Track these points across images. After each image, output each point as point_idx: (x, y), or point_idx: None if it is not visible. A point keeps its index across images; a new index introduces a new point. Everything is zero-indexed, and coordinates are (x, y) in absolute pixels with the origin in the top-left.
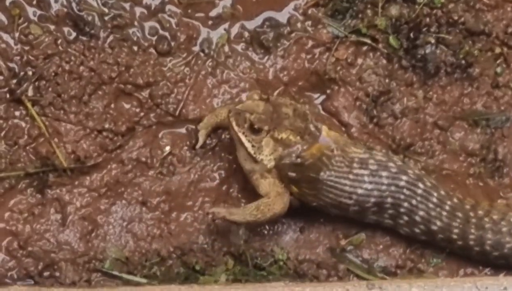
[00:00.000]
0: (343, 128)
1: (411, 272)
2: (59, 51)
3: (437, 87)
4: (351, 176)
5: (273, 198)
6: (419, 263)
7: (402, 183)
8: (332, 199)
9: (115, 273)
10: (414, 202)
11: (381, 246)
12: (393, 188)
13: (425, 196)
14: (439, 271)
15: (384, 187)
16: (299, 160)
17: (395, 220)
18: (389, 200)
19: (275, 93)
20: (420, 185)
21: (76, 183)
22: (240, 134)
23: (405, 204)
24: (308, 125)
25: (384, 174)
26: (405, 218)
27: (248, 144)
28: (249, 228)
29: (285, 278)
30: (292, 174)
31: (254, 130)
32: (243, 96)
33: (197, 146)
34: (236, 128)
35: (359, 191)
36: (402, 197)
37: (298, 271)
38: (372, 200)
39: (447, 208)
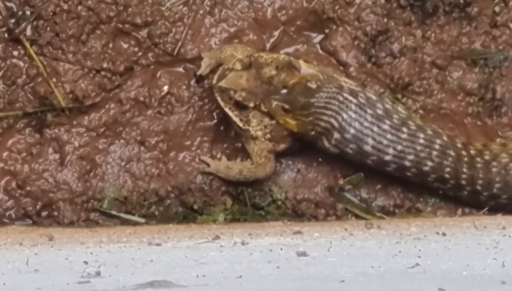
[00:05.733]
0: (341, 68)
1: (409, 211)
2: None
3: (435, 26)
4: (340, 98)
5: (256, 165)
6: (417, 202)
7: (385, 127)
8: (325, 122)
9: (113, 212)
10: (399, 147)
11: (379, 186)
12: (375, 129)
13: (410, 139)
14: (437, 211)
15: (366, 123)
16: (285, 90)
17: (380, 167)
18: (370, 141)
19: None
20: (404, 129)
21: (74, 122)
22: (227, 110)
23: (390, 151)
24: (290, 61)
25: (369, 111)
26: (393, 165)
27: (236, 119)
28: None
29: (283, 217)
30: (285, 106)
31: (240, 106)
32: (243, 37)
33: (198, 72)
34: (222, 104)
35: (344, 115)
36: (384, 141)
37: (296, 210)
38: (352, 131)
39: (436, 147)
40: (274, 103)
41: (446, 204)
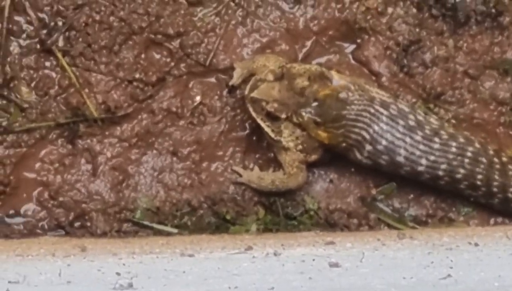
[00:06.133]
0: (374, 78)
1: (441, 221)
2: (89, 1)
3: (467, 36)
4: (371, 110)
5: (288, 175)
6: (450, 212)
7: (417, 137)
8: (357, 134)
9: (146, 223)
10: (432, 157)
11: (411, 195)
12: (408, 140)
13: (442, 149)
14: (470, 220)
15: (398, 135)
16: (316, 103)
17: (413, 177)
18: (403, 152)
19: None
20: (436, 139)
21: (107, 133)
22: (259, 120)
23: (423, 161)
24: (322, 71)
25: (401, 122)
26: (426, 175)
27: (267, 129)
28: None
29: (316, 227)
30: (317, 119)
31: (272, 117)
32: (275, 47)
33: (230, 82)
34: (254, 115)
35: (376, 127)
36: (417, 152)
37: (329, 220)
38: (384, 142)
39: (468, 154)
40: (306, 116)
41: (479, 213)
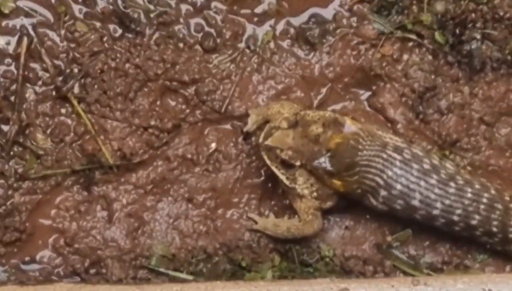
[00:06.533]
0: (389, 125)
1: (457, 268)
2: (105, 48)
3: (483, 83)
4: (384, 155)
5: (304, 222)
6: (465, 259)
7: (432, 181)
8: (370, 180)
9: (162, 270)
10: (447, 202)
11: (427, 242)
12: (422, 183)
13: (458, 194)
14: (486, 267)
15: (413, 178)
16: (329, 154)
17: (429, 222)
18: (418, 196)
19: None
20: (452, 184)
21: (122, 180)
22: (274, 168)
23: (438, 205)
24: (336, 117)
25: (415, 166)
26: (441, 220)
27: (282, 177)
28: None
29: (332, 274)
30: (330, 168)
31: (286, 165)
32: (290, 94)
33: (245, 129)
34: (268, 162)
35: (389, 172)
36: (432, 196)
37: (344, 267)
38: (399, 187)
39: (484, 200)
40: (320, 169)
41: (494, 260)
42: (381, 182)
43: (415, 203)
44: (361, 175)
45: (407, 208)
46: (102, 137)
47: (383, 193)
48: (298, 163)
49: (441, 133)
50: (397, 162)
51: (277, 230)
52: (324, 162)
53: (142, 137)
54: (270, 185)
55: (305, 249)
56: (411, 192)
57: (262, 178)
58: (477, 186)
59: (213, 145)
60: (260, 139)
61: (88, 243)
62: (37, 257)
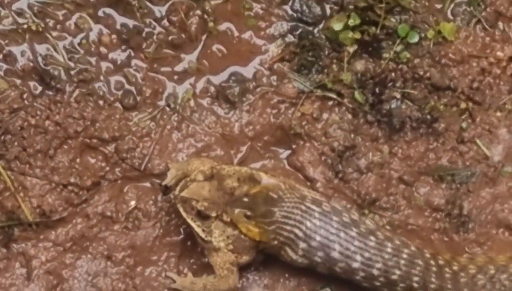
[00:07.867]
0: (309, 183)
1: None
2: (25, 105)
3: (402, 142)
4: (302, 207)
5: (219, 278)
6: None
7: (352, 233)
8: (289, 231)
9: None
10: (367, 254)
11: None
12: (342, 235)
13: (377, 247)
14: None
15: (332, 230)
16: (246, 199)
17: (349, 276)
18: (337, 247)
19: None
20: (372, 238)
21: (42, 237)
22: (189, 220)
23: (357, 257)
24: (251, 174)
25: (335, 218)
26: (362, 273)
27: (198, 229)
28: None
29: None
30: (248, 213)
31: (202, 216)
32: (210, 152)
33: (164, 182)
34: (184, 214)
35: (308, 224)
36: (352, 248)
37: None
38: (318, 238)
39: (404, 256)
40: (236, 210)
41: None
42: (300, 234)
43: (335, 254)
44: (279, 225)
45: (327, 260)
46: (21, 194)
47: (302, 245)
48: (213, 214)
49: (360, 192)
50: (316, 214)
51: (194, 287)
52: (241, 205)
53: (62, 195)
54: (189, 243)
55: None
56: (331, 243)
57: (182, 236)
58: (397, 242)
59: (133, 203)
60: (176, 192)
61: None
62: None
